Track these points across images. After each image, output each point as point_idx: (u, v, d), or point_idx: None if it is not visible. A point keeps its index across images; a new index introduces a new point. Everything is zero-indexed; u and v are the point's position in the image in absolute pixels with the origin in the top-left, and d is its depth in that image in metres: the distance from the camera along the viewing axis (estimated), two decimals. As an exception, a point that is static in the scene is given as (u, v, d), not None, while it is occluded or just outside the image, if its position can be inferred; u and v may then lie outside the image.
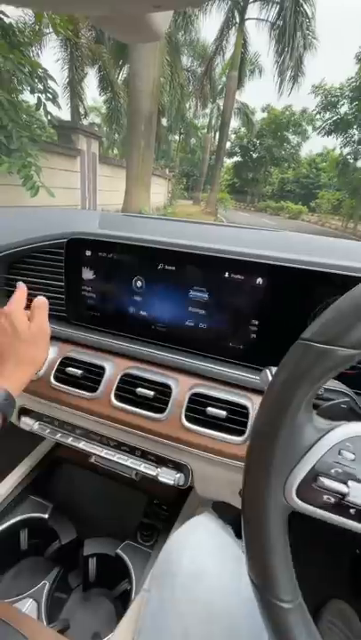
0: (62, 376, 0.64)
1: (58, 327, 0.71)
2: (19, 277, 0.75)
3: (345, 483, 0.27)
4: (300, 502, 0.28)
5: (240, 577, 0.43)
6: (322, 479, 0.27)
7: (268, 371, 0.39)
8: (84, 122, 11.66)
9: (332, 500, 0.27)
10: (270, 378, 0.37)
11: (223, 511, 0.63)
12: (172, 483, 0.57)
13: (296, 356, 0.28)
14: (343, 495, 0.27)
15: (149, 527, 0.73)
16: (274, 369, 0.38)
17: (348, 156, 17.96)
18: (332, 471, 0.27)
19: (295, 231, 0.77)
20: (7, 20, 3.46)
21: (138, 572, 0.63)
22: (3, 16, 3.37)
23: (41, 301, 0.61)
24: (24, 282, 0.76)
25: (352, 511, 0.27)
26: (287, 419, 0.28)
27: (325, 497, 0.27)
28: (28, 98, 3.97)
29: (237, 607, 0.41)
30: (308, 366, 0.27)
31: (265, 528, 0.28)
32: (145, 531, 0.72)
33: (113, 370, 0.64)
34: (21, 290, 0.62)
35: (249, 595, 0.40)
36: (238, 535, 0.56)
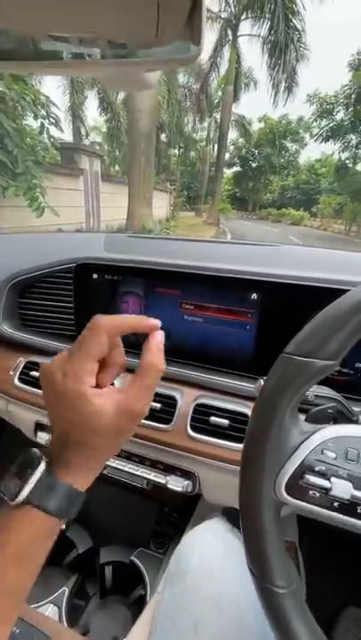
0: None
1: (69, 346, 0.75)
2: (31, 301, 0.80)
3: (328, 479, 0.31)
4: (288, 497, 0.31)
5: (247, 575, 0.46)
6: (307, 476, 0.31)
7: (261, 381, 0.43)
8: (86, 141, 12.03)
9: (317, 494, 0.31)
10: (262, 387, 0.41)
11: (232, 516, 0.66)
12: (180, 490, 0.60)
13: (280, 369, 0.32)
14: (327, 490, 0.30)
15: (161, 534, 0.76)
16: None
17: (347, 161, 18.12)
18: (316, 469, 0.31)
19: (298, 236, 0.81)
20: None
21: (152, 577, 0.66)
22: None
23: (153, 363, 0.31)
24: (35, 305, 0.81)
25: (336, 504, 0.31)
26: (275, 423, 0.32)
27: (311, 492, 0.31)
28: (32, 122, 4.15)
29: (245, 602, 0.44)
30: (291, 377, 0.31)
31: (259, 521, 0.31)
32: (157, 538, 0.75)
33: (121, 386, 0.68)
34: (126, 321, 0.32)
35: (253, 589, 0.43)
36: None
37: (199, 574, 0.46)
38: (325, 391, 0.47)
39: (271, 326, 0.60)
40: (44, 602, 0.62)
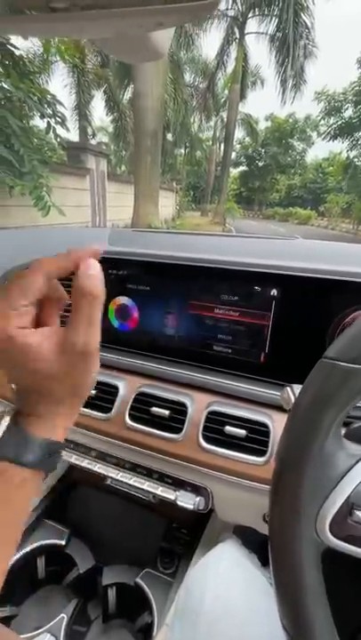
0: (75, 396, 0.63)
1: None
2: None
3: (385, 517, 0.24)
4: (334, 539, 0.25)
5: (269, 613, 0.40)
6: (358, 512, 0.25)
7: (289, 389, 0.36)
8: (93, 142, 12.05)
9: (372, 536, 0.25)
10: (292, 397, 0.35)
11: (246, 535, 0.60)
12: (191, 507, 0.54)
13: (321, 378, 0.26)
14: (384, 531, 0.24)
15: (169, 553, 0.70)
16: (296, 387, 0.36)
17: (356, 159, 17.88)
18: (370, 503, 0.25)
19: (306, 236, 0.75)
20: (17, 52, 3.65)
21: (159, 603, 0.60)
22: (13, 48, 3.55)
23: (82, 287, 0.29)
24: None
25: (395, 549, 0.24)
26: (315, 446, 0.25)
27: (364, 533, 0.25)
28: (39, 122, 4.15)
29: (267, 637, 0.37)
30: (335, 388, 0.25)
31: (296, 569, 0.25)
32: (165, 557, 0.68)
33: (127, 389, 0.62)
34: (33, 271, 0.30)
35: (280, 633, 0.37)
36: (264, 563, 0.53)
37: (214, 615, 0.40)
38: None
39: (293, 325, 0.54)
40: (40, 631, 0.57)
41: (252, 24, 12.80)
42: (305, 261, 0.54)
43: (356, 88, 14.86)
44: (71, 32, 0.31)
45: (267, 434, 0.51)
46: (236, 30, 13.05)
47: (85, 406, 0.62)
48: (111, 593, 0.64)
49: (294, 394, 0.35)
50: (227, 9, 12.45)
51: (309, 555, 0.25)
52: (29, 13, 0.28)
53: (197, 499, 0.55)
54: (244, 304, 0.57)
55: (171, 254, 0.61)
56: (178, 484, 0.58)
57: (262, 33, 11.85)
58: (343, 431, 0.34)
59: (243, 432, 0.52)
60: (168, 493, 0.57)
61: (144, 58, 0.43)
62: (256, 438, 0.51)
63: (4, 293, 0.26)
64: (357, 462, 0.26)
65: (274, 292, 0.54)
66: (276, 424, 0.52)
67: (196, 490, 0.56)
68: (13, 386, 0.29)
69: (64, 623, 0.57)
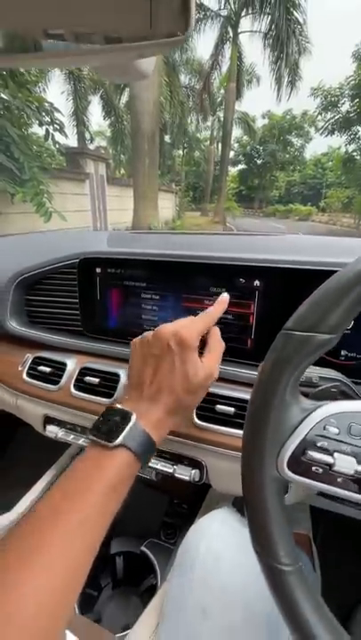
0: (81, 385, 0.70)
1: (75, 340, 0.76)
2: (37, 297, 0.82)
3: (331, 454, 0.30)
4: (291, 474, 0.31)
5: (255, 565, 0.46)
6: (310, 452, 0.31)
7: (262, 364, 0.43)
8: (91, 146, 12.17)
9: (321, 470, 0.30)
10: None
11: (243, 507, 0.65)
12: (187, 479, 0.60)
13: (279, 345, 0.32)
14: (330, 465, 0.30)
15: (171, 526, 0.76)
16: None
17: (355, 153, 17.84)
18: (319, 444, 0.31)
19: (307, 232, 0.81)
20: (15, 63, 3.73)
21: (162, 566, 0.66)
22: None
23: (218, 335, 0.51)
24: (42, 301, 0.83)
25: (339, 480, 0.30)
26: (276, 401, 0.31)
27: (314, 468, 0.31)
28: (37, 130, 4.24)
29: (252, 591, 0.43)
30: (291, 353, 0.31)
31: (261, 496, 0.31)
32: (167, 529, 0.75)
33: (127, 376, 0.69)
34: (218, 308, 0.52)
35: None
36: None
37: (206, 564, 0.46)
38: (331, 373, 0.46)
39: (274, 312, 0.60)
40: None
41: (245, 23, 12.87)
42: (285, 254, 0.60)
43: (353, 82, 14.83)
44: (60, 65, 0.37)
45: (252, 409, 0.57)
46: (230, 29, 13.11)
47: (90, 393, 0.68)
48: (119, 560, 0.71)
49: (265, 366, 0.41)
50: (219, 9, 12.52)
51: (272, 486, 0.31)
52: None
53: (193, 471, 0.61)
54: (233, 294, 0.62)
55: (163, 252, 0.67)
56: (176, 459, 0.64)
57: (256, 31, 11.91)
58: (310, 395, 0.39)
59: (231, 409, 0.58)
60: (167, 467, 0.63)
61: (132, 78, 0.50)
62: (243, 414, 0.57)
63: (187, 327, 0.45)
64: (309, 414, 0.32)
65: (257, 282, 0.60)
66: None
67: (192, 463, 0.62)
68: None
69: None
